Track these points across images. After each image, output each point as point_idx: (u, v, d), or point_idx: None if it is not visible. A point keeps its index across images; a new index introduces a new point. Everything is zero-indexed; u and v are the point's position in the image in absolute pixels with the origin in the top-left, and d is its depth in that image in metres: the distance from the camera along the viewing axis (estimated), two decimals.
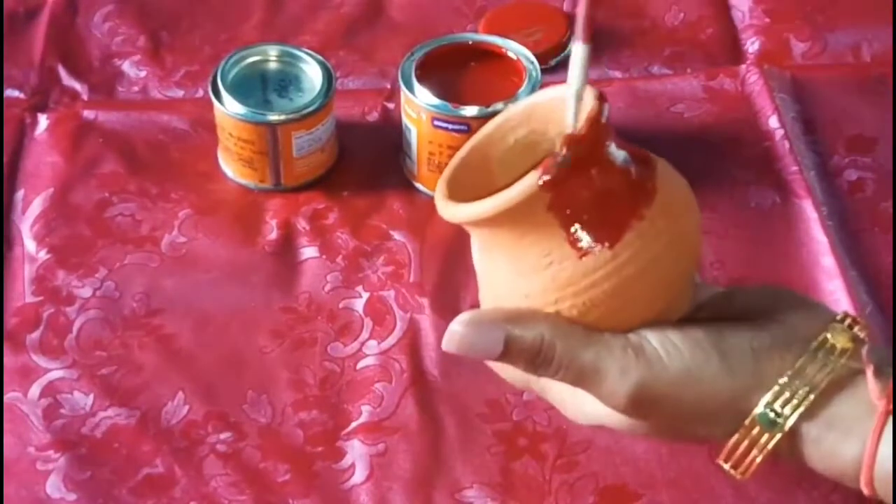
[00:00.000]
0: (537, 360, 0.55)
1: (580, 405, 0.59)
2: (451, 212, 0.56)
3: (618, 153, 0.54)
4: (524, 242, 0.54)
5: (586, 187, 0.53)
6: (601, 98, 0.54)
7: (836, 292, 0.77)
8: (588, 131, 0.53)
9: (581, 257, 0.53)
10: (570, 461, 0.70)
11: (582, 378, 0.55)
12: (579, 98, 0.54)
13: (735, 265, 0.79)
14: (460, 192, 0.57)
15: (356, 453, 0.71)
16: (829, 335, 0.54)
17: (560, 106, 0.55)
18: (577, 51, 0.54)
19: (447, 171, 0.58)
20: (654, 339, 0.54)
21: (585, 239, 0.54)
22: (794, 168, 0.85)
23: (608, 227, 0.53)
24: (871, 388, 0.53)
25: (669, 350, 0.54)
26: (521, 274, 0.55)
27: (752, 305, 0.58)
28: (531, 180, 0.52)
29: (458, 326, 0.55)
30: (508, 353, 0.55)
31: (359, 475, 0.70)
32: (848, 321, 0.56)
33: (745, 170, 0.85)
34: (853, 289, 0.77)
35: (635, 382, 0.54)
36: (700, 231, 0.57)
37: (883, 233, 0.82)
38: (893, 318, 0.76)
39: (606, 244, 0.53)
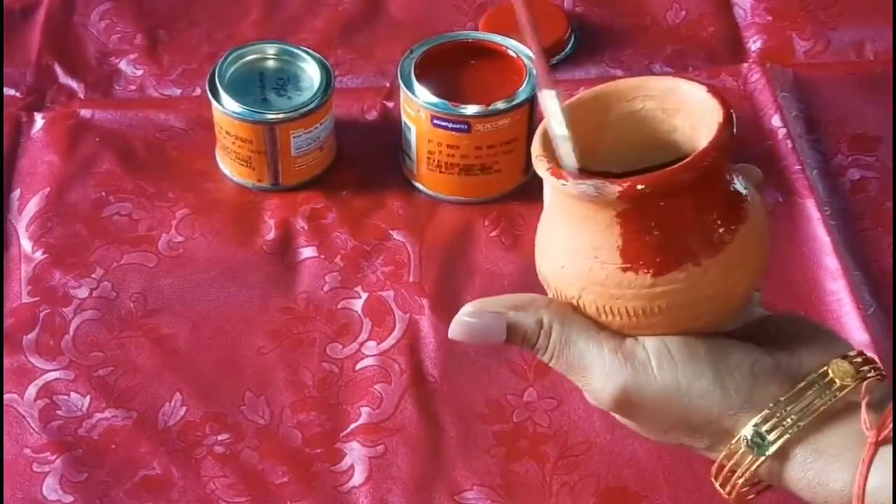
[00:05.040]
0: (537, 344, 0.56)
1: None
2: (539, 168, 0.54)
3: (734, 180, 0.53)
4: (585, 226, 0.54)
5: (660, 215, 0.52)
6: (728, 116, 0.52)
7: (839, 293, 0.76)
8: (708, 157, 0.51)
9: (623, 270, 0.53)
10: (570, 463, 0.70)
11: (570, 370, 0.55)
12: (566, 140, 0.53)
13: None
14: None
15: (355, 455, 0.70)
16: (831, 368, 0.53)
17: (700, 106, 0.53)
18: (547, 98, 0.54)
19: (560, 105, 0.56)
20: (650, 346, 0.54)
21: (635, 256, 0.53)
22: (797, 167, 0.84)
23: (661, 256, 0.52)
24: (864, 418, 0.52)
25: (662, 359, 0.54)
26: (569, 245, 0.55)
27: (776, 333, 0.57)
28: (613, 188, 0.51)
29: (463, 315, 0.56)
30: (511, 338, 0.56)
31: (358, 477, 0.69)
32: (859, 359, 0.54)
33: None
34: (856, 290, 0.77)
35: (618, 387, 0.54)
36: (757, 278, 0.55)
37: (887, 233, 0.81)
38: (894, 319, 0.76)
39: (651, 271, 0.52)
